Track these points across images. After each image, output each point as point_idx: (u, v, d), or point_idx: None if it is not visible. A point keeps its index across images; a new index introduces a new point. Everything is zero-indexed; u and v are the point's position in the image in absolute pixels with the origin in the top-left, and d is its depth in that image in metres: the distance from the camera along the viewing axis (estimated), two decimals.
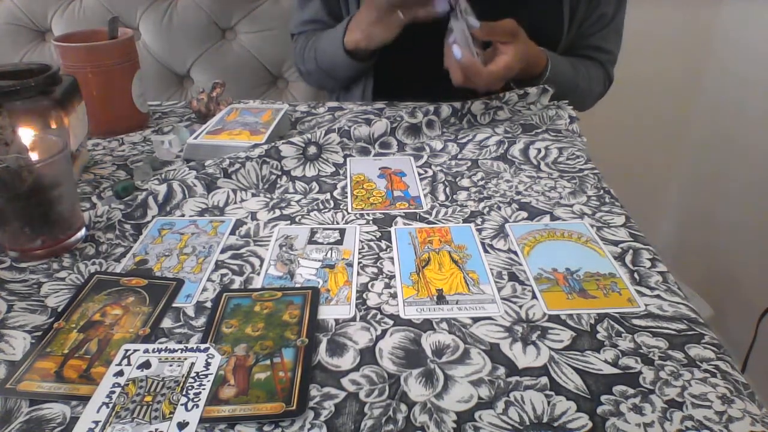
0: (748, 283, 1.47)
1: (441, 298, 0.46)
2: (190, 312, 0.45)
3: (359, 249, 0.53)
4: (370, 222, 0.58)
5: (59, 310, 0.45)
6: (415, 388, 0.38)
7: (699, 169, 1.69)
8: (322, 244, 0.54)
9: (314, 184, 0.65)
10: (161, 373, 0.39)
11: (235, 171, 0.64)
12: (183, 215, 0.59)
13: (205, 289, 0.48)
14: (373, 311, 0.45)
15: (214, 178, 0.63)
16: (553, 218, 0.58)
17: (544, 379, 0.38)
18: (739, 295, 1.50)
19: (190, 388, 0.37)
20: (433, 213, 0.60)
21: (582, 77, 0.92)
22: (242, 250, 0.53)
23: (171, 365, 0.39)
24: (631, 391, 0.38)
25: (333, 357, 0.41)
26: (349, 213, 0.60)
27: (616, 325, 0.43)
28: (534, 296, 0.47)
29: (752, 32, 1.46)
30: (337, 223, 0.58)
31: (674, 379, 0.38)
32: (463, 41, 0.73)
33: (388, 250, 0.53)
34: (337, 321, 0.44)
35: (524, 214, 0.59)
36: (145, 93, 0.83)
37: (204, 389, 0.37)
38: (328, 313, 0.45)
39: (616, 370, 0.39)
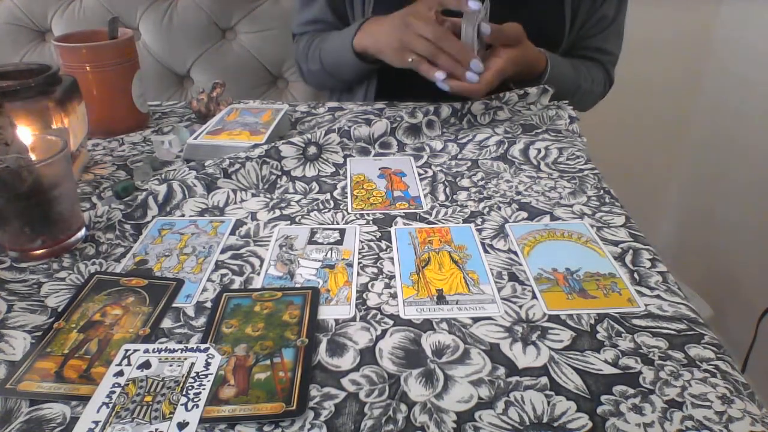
0: (748, 283, 1.47)
1: (441, 298, 0.46)
2: (190, 312, 0.45)
3: (359, 249, 0.53)
4: (370, 222, 0.58)
5: (59, 310, 0.45)
6: (415, 388, 0.38)
7: (699, 169, 1.69)
8: (322, 244, 0.54)
9: (314, 184, 0.65)
10: (161, 373, 0.39)
11: (235, 171, 0.64)
12: (183, 215, 0.59)
13: (205, 289, 0.48)
14: (373, 311, 0.45)
15: (214, 178, 0.63)
16: (553, 218, 0.58)
17: (544, 379, 0.38)
18: (739, 295, 1.50)
19: (190, 388, 0.37)
20: (433, 213, 0.60)
21: (583, 78, 0.93)
22: (242, 251, 0.53)
23: (171, 365, 0.39)
24: (631, 391, 0.38)
25: (333, 357, 0.41)
26: (349, 213, 0.60)
27: (616, 325, 0.43)
28: (534, 296, 0.47)
29: (752, 32, 1.46)
30: (337, 224, 0.58)
31: (674, 379, 0.38)
32: (468, 44, 0.74)
33: (388, 250, 0.53)
34: (337, 321, 0.44)
35: (524, 215, 0.59)
36: (145, 93, 0.83)
37: (204, 389, 0.37)
38: (328, 313, 0.45)
39: (616, 370, 0.39)
